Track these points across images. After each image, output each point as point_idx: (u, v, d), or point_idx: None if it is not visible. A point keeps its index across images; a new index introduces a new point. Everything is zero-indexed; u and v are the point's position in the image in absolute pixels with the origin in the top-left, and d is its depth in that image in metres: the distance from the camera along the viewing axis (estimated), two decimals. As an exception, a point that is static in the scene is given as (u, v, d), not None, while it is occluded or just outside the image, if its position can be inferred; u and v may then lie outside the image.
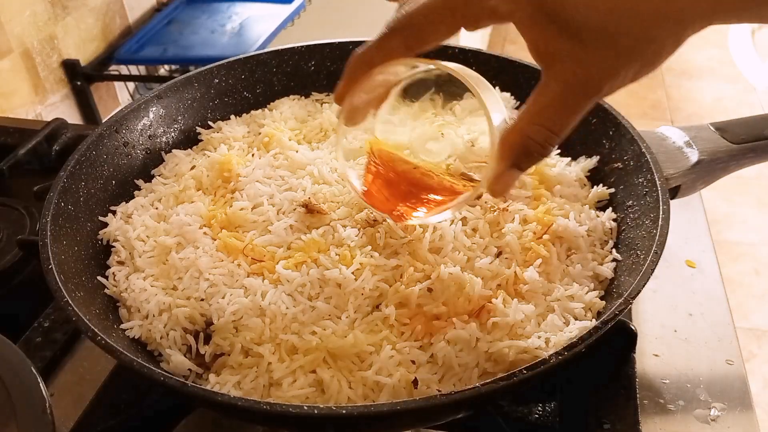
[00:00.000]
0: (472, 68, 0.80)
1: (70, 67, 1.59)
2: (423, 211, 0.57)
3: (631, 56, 0.40)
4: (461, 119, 0.79)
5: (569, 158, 0.72)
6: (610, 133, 0.70)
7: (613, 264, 0.61)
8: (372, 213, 0.62)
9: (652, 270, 0.54)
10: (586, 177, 0.71)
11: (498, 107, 0.48)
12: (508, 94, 0.80)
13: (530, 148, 0.43)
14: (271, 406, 0.45)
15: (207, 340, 0.58)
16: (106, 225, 0.67)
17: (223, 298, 0.58)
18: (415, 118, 0.80)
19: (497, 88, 0.81)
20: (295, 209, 0.64)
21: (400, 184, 0.58)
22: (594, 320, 0.57)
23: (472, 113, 0.80)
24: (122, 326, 0.59)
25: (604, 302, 0.58)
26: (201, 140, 0.79)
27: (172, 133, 0.79)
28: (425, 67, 0.49)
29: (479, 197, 0.58)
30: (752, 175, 2.56)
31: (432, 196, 0.57)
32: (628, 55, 0.40)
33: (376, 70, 0.48)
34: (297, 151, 0.73)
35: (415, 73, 0.52)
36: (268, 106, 0.83)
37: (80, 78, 1.61)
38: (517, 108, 0.79)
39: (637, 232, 0.61)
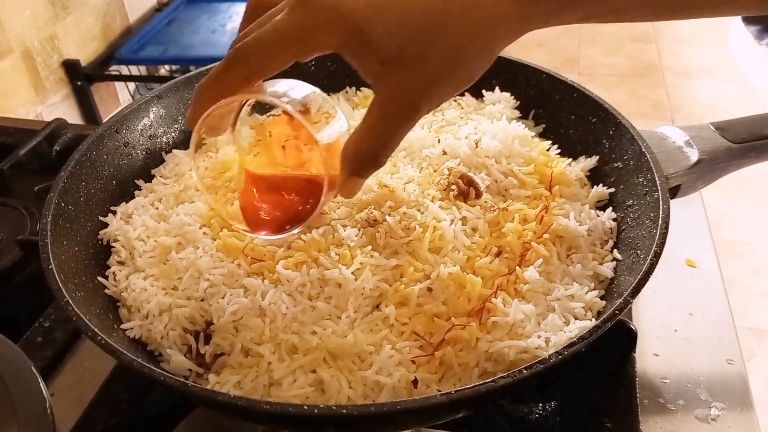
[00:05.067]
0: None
1: (70, 67, 1.59)
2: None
3: (444, 77, 0.45)
4: (467, 114, 0.79)
5: (569, 158, 0.72)
6: (610, 132, 0.70)
7: (613, 263, 0.61)
8: (372, 212, 0.62)
9: (652, 270, 0.54)
10: (586, 177, 0.71)
11: (337, 124, 0.53)
12: (508, 94, 0.80)
13: (364, 160, 0.48)
14: (271, 406, 0.45)
15: (207, 340, 0.58)
16: (106, 225, 0.67)
17: (223, 298, 0.58)
18: None
19: (497, 88, 0.81)
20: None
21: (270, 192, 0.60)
22: (594, 320, 0.57)
23: (477, 110, 0.80)
24: (122, 326, 0.59)
25: (604, 302, 0.58)
26: (201, 140, 0.79)
27: (173, 133, 0.79)
28: (261, 98, 0.51)
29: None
30: (752, 175, 2.54)
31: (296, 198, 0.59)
32: (440, 76, 0.45)
33: (222, 100, 0.49)
34: (297, 151, 0.73)
35: (255, 99, 0.54)
36: (268, 106, 0.83)
37: (81, 78, 1.61)
38: (517, 108, 0.79)
39: (637, 231, 0.61)
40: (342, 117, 0.54)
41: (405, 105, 0.46)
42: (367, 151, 0.47)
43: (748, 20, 1.01)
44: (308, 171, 0.57)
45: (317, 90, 0.54)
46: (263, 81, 0.50)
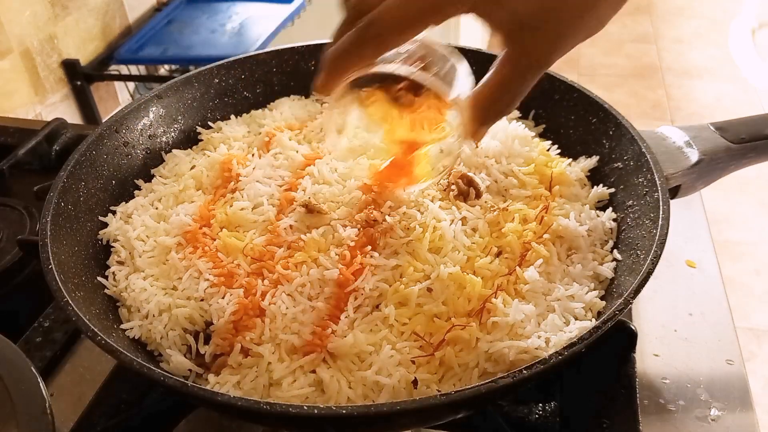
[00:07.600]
0: (472, 68, 0.81)
1: (70, 67, 1.59)
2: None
3: (573, 27, 0.47)
4: None
5: (569, 158, 0.72)
6: (610, 132, 0.70)
7: (613, 264, 0.61)
8: (372, 213, 0.62)
9: (652, 270, 0.54)
10: (586, 177, 0.71)
11: (463, 81, 0.55)
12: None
13: (495, 111, 0.52)
14: (271, 406, 0.45)
15: (207, 340, 0.58)
16: (106, 225, 0.67)
17: (222, 298, 0.58)
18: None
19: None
20: (295, 209, 0.64)
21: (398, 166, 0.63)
22: (594, 320, 0.57)
23: None
24: (122, 326, 0.59)
25: (604, 302, 0.58)
26: (201, 140, 0.79)
27: (172, 133, 0.79)
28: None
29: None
30: (752, 175, 2.56)
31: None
32: (569, 27, 0.47)
33: (352, 73, 0.51)
34: (297, 151, 0.73)
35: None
36: (268, 106, 0.83)
37: (80, 78, 1.60)
38: (517, 108, 0.79)
39: (637, 232, 0.61)
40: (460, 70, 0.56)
41: (534, 62, 0.48)
42: (499, 104, 0.51)
43: None
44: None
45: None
46: None
